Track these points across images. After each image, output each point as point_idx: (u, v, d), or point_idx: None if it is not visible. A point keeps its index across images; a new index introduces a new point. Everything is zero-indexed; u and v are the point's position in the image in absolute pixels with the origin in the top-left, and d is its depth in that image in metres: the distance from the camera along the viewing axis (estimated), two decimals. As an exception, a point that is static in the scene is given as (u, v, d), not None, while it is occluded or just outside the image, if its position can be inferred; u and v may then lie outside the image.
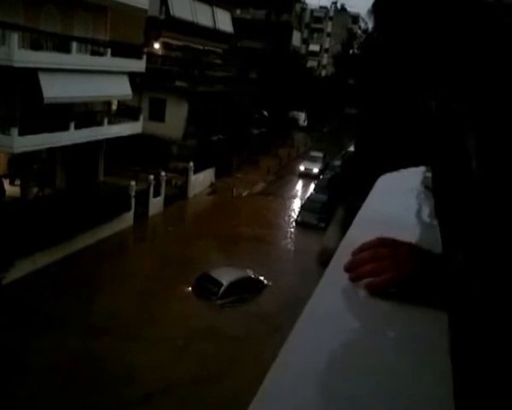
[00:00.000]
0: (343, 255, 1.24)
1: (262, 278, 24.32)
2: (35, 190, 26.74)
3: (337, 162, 44.16)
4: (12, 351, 16.89)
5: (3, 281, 21.01)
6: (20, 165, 25.68)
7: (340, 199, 29.18)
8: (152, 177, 30.96)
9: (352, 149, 36.12)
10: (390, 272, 1.10)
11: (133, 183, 29.29)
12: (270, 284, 24.30)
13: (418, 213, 1.81)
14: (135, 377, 16.86)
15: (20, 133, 21.98)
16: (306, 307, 1.10)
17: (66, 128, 25.05)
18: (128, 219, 29.22)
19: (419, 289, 1.10)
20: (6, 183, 25.58)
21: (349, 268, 1.17)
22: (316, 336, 1.04)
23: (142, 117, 31.64)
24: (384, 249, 1.15)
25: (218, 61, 45.35)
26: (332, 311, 1.13)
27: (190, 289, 22.82)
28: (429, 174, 2.03)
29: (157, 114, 35.54)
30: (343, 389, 0.89)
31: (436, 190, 1.79)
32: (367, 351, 0.99)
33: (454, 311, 1.07)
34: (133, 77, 30.74)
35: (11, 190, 25.69)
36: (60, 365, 16.87)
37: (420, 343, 1.02)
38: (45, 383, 16.07)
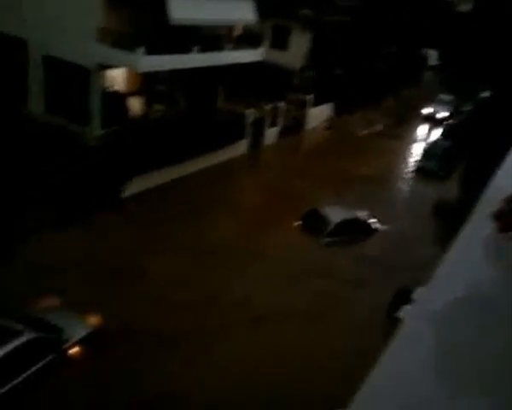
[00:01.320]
0: (488, 204, 1.08)
1: (372, 220, 23.55)
2: (157, 110, 27.58)
3: (467, 108, 41.00)
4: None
5: (123, 194, 22.35)
6: (145, 84, 26.47)
7: (465, 148, 27.16)
8: (269, 107, 30.74)
9: (486, 94, 33.05)
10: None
11: (250, 111, 29.31)
12: (380, 227, 23.50)
13: None
14: (247, 302, 17.27)
15: (146, 53, 22.51)
16: (446, 257, 1.05)
17: (189, 51, 25.28)
18: (242, 146, 29.49)
19: None
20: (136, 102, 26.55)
21: (499, 216, 0.81)
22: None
23: (264, 44, 31.09)
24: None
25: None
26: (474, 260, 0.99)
27: (297, 223, 22.72)
28: None
29: (279, 43, 34.75)
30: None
31: None
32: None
33: None
34: (258, 2, 30.07)
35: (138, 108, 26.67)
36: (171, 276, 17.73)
37: None
38: (156, 287, 17.00)
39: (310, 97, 34.42)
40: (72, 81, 23.72)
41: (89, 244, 18.86)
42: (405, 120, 42.30)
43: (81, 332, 14.27)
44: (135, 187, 22.76)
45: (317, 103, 35.46)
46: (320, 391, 13.63)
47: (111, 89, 25.13)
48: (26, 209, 18.64)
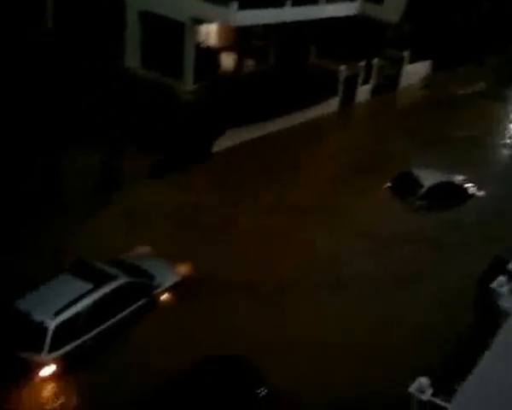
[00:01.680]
0: None
1: (469, 185, 22.27)
2: (249, 65, 27.47)
3: None
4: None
5: (214, 149, 22.68)
6: (237, 39, 26.40)
7: None
8: (362, 63, 29.63)
9: None
10: None
11: (343, 67, 28.41)
12: (477, 193, 22.21)
13: None
14: (332, 263, 17.16)
15: (239, 7, 22.31)
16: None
17: (282, 5, 24.77)
18: (333, 104, 28.74)
19: None
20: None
21: None
22: None
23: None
24: None
25: None
26: None
27: (387, 185, 21.99)
28: None
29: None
30: None
31: None
32: None
33: None
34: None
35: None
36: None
37: None
38: (242, 240, 17.39)
39: (406, 53, 32.73)
40: (166, 36, 24.07)
41: (179, 196, 19.36)
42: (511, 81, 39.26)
43: (171, 280, 14.81)
44: (225, 142, 22.96)
45: (413, 60, 33.61)
46: (406, 361, 13.33)
47: (204, 44, 25.28)
48: (123, 158, 19.40)
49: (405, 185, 21.46)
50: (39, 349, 11.54)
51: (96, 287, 12.75)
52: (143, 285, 13.90)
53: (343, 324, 14.59)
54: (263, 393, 11.27)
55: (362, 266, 17.09)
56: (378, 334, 14.28)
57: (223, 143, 22.89)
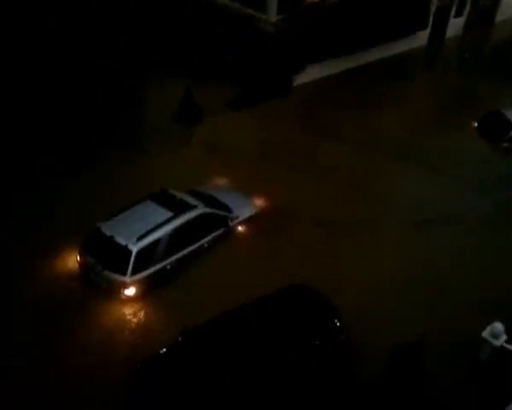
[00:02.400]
0: None
1: None
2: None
3: None
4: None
5: (294, 83, 22.41)
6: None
7: None
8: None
9: None
10: None
11: (435, -2, 26.71)
12: None
13: None
14: (410, 200, 16.82)
15: None
16: None
17: None
18: (422, 38, 27.24)
19: None
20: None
21: None
22: None
23: None
24: None
25: None
26: None
27: (474, 126, 20.93)
28: None
29: None
30: None
31: None
32: None
33: None
34: None
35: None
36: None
37: None
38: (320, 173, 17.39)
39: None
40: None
41: (259, 128, 19.46)
42: None
43: (247, 212, 15.15)
44: (307, 76, 22.55)
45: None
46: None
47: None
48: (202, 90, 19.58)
49: (494, 126, 20.35)
50: (124, 271, 12.31)
51: (177, 215, 13.29)
52: (220, 216, 14.32)
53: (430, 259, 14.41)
54: (339, 324, 11.44)
55: (445, 208, 16.59)
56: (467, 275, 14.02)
57: (304, 77, 22.51)
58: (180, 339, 10.56)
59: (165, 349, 10.54)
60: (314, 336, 10.99)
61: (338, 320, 11.40)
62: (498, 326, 10.95)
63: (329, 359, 10.95)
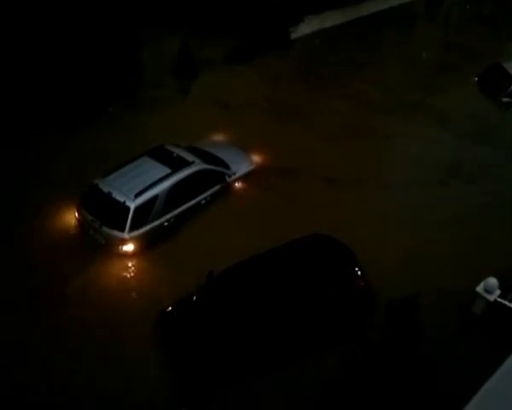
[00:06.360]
0: None
1: None
2: None
3: None
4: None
5: (292, 36, 22.00)
6: None
7: None
8: None
9: None
10: None
11: None
12: None
13: None
14: (414, 158, 16.62)
15: None
16: None
17: None
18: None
19: None
20: None
21: None
22: None
23: None
24: None
25: None
26: None
27: (474, 79, 20.62)
28: None
29: None
30: None
31: None
32: None
33: None
34: None
35: None
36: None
37: None
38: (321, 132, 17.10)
39: None
40: None
41: (256, 83, 19.20)
42: None
43: (245, 168, 15.08)
44: (304, 28, 22.13)
45: None
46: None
47: None
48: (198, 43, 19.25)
49: (494, 79, 20.02)
50: (122, 228, 12.35)
51: (174, 172, 13.25)
52: (218, 173, 14.27)
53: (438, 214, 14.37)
54: (359, 271, 11.62)
55: (446, 163, 16.47)
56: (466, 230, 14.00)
57: (301, 30, 22.08)
58: (207, 283, 10.90)
59: (193, 293, 10.93)
60: (337, 280, 11.35)
61: (358, 268, 11.63)
62: (492, 281, 11.04)
63: (351, 303, 11.26)
